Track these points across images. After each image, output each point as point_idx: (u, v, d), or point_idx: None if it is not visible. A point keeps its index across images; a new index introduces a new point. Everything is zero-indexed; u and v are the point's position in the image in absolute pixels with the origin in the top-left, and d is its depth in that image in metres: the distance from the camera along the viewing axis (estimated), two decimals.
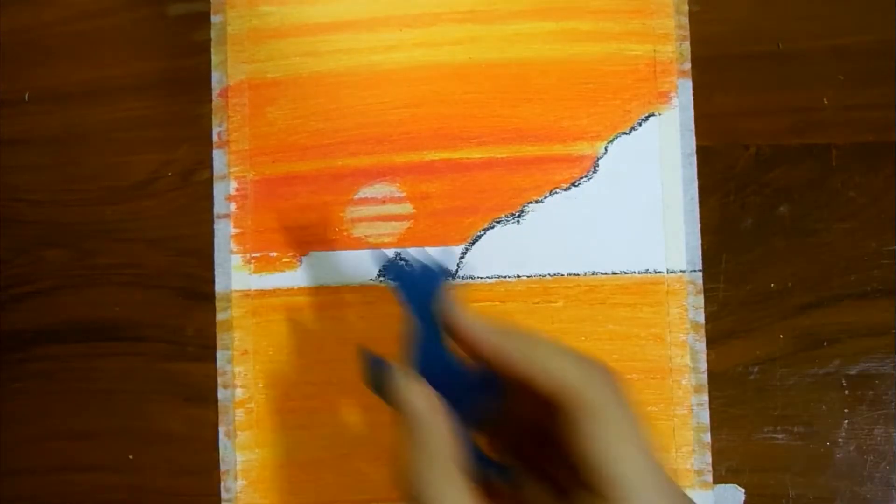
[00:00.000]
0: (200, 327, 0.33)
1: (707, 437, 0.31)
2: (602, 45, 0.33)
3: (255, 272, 0.32)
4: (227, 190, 0.33)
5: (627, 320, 0.32)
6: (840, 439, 0.31)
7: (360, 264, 0.32)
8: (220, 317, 0.32)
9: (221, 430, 0.32)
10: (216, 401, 0.32)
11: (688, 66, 0.33)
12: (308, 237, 0.32)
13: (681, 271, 0.32)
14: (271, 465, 0.32)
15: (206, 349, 0.33)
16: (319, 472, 0.32)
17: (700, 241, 0.32)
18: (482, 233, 0.32)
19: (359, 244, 0.32)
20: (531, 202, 0.32)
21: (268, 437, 0.32)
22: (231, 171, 0.33)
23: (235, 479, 0.32)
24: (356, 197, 0.32)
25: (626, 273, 0.32)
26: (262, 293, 0.32)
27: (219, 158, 0.33)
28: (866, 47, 0.33)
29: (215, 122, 0.33)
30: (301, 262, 0.32)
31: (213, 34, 0.34)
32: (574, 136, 0.32)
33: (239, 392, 0.32)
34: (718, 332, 0.32)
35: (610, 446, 0.21)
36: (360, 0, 0.33)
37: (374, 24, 0.33)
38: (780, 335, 0.32)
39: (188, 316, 0.33)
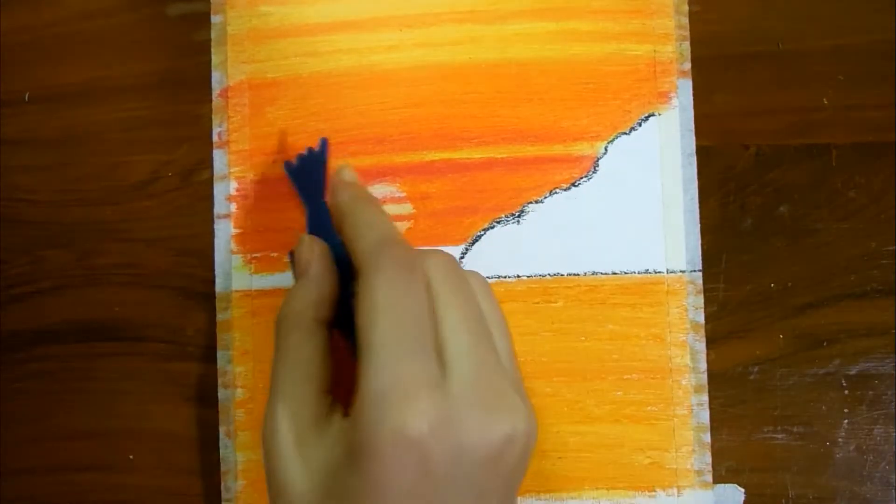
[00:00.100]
0: (201, 327, 0.33)
1: (707, 437, 0.31)
2: (602, 45, 0.33)
3: (255, 272, 0.32)
4: (227, 190, 0.33)
5: (627, 320, 0.32)
6: (840, 439, 0.31)
7: None
8: (220, 317, 0.32)
9: (222, 430, 0.32)
10: (216, 401, 0.32)
11: (688, 66, 0.33)
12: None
13: (681, 271, 0.32)
14: None
15: (206, 349, 0.33)
16: None
17: (700, 241, 0.32)
18: (482, 233, 0.32)
19: None
20: (531, 202, 0.32)
21: None
22: (231, 171, 0.33)
23: (236, 479, 0.32)
24: None
25: (626, 273, 0.32)
26: (263, 293, 0.32)
27: (219, 158, 0.33)
28: (866, 47, 0.33)
29: (215, 122, 0.33)
30: None
31: (213, 34, 0.34)
32: (574, 136, 0.32)
33: (239, 392, 0.32)
34: (718, 332, 0.32)
35: (361, 312, 0.22)
36: (360, 0, 0.33)
37: (374, 24, 0.33)
38: (780, 335, 0.32)
39: (188, 316, 0.33)
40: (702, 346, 0.32)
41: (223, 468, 0.32)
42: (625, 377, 0.31)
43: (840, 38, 0.33)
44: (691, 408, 0.31)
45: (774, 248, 0.32)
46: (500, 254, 0.32)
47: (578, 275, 0.32)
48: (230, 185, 0.33)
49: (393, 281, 0.23)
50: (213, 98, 0.33)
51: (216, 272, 0.33)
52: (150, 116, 0.34)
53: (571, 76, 0.33)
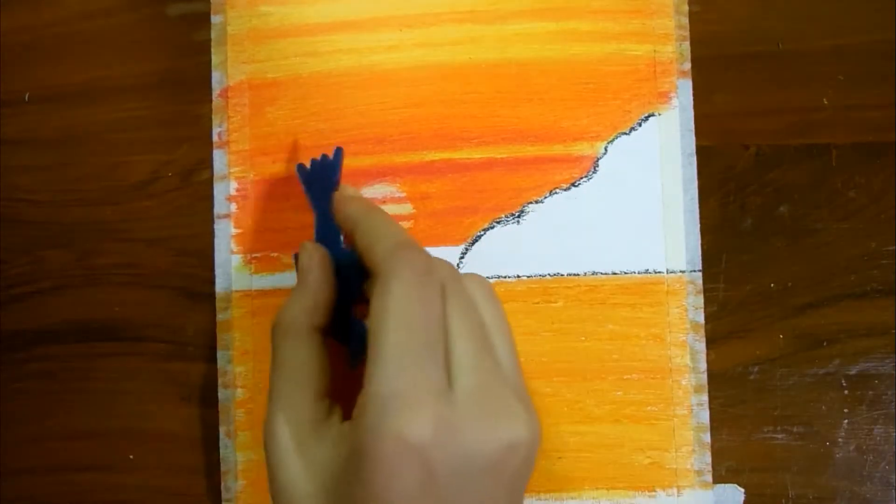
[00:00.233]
0: (200, 327, 0.33)
1: (707, 437, 0.31)
2: (602, 45, 0.33)
3: (255, 272, 0.32)
4: (227, 190, 0.33)
5: (627, 320, 0.32)
6: (840, 439, 0.31)
7: None
8: (220, 317, 0.32)
9: (222, 430, 0.32)
10: (216, 401, 0.32)
11: (688, 66, 0.33)
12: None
13: (681, 271, 0.32)
14: None
15: (206, 349, 0.33)
16: None
17: (700, 241, 0.32)
18: (482, 233, 0.32)
19: None
20: (531, 202, 0.32)
21: None
22: (231, 171, 0.33)
23: (236, 479, 0.32)
24: None
25: (626, 273, 0.32)
26: (263, 293, 0.32)
27: (219, 158, 0.33)
28: (866, 47, 0.33)
29: (215, 122, 0.33)
30: None
31: (213, 34, 0.34)
32: (574, 137, 0.32)
33: (239, 392, 0.32)
34: (718, 332, 0.32)
35: (374, 315, 0.22)
36: (360, 0, 0.33)
37: (374, 24, 0.33)
38: (780, 335, 0.32)
39: (188, 316, 0.33)
40: (702, 346, 0.32)
41: (223, 468, 0.32)
42: (625, 377, 0.32)
43: (840, 38, 0.33)
44: (691, 408, 0.31)
45: (774, 248, 0.32)
46: (500, 254, 0.32)
47: (578, 275, 0.32)
48: (230, 185, 0.33)
49: (410, 286, 0.23)
50: (213, 98, 0.33)
51: (216, 272, 0.33)
52: (150, 116, 0.34)
53: (571, 76, 0.33)
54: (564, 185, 0.32)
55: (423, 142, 0.33)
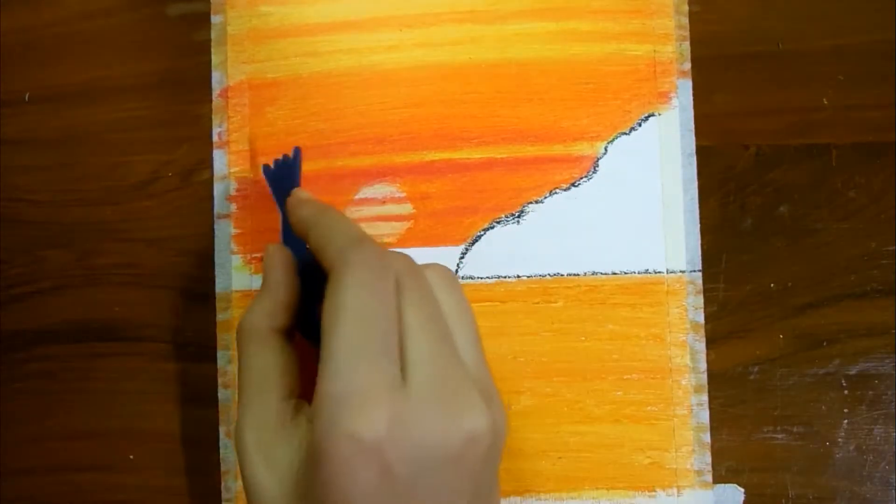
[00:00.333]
0: (200, 327, 0.33)
1: (707, 437, 0.31)
2: (602, 45, 0.33)
3: (255, 272, 0.32)
4: (227, 190, 0.33)
5: (627, 320, 0.32)
6: (840, 439, 0.31)
7: None
8: (220, 317, 0.32)
9: (222, 430, 0.32)
10: (216, 401, 0.32)
11: (688, 66, 0.33)
12: None
13: (681, 271, 0.32)
14: None
15: (206, 349, 0.33)
16: None
17: (700, 241, 0.32)
18: (482, 233, 0.32)
19: None
20: (531, 202, 0.32)
21: None
22: (231, 171, 0.33)
23: (236, 479, 0.32)
24: (356, 197, 0.33)
25: (626, 273, 0.32)
26: None
27: (219, 159, 0.33)
28: (866, 47, 0.33)
29: (215, 122, 0.33)
30: None
31: (213, 34, 0.34)
32: (574, 137, 0.32)
33: None
34: (718, 332, 0.32)
35: (326, 312, 0.22)
36: (360, 0, 0.33)
37: (374, 24, 0.33)
38: (780, 335, 0.32)
39: (188, 316, 0.33)
40: (702, 346, 0.32)
41: (223, 468, 0.32)
42: (625, 377, 0.32)
43: (840, 38, 0.33)
44: (691, 408, 0.31)
45: (774, 248, 0.32)
46: (500, 254, 0.32)
47: (578, 275, 0.32)
48: (230, 185, 0.33)
49: (361, 281, 0.23)
50: (213, 98, 0.33)
51: (216, 272, 0.33)
52: (150, 116, 0.34)
53: (571, 76, 0.33)
54: (564, 185, 0.32)
55: (423, 142, 0.33)
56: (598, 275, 0.32)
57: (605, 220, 0.32)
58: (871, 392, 0.31)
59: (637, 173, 0.32)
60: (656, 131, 0.32)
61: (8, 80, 0.34)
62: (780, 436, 0.31)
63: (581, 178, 0.32)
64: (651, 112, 0.32)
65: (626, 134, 0.32)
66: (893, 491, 0.31)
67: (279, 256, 0.27)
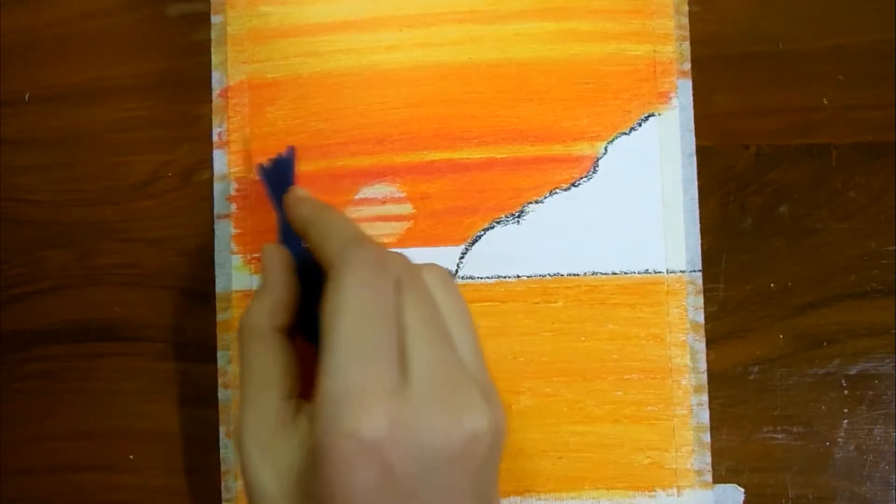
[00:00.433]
0: (200, 327, 0.33)
1: (707, 437, 0.31)
2: (602, 45, 0.33)
3: (255, 272, 0.32)
4: (227, 190, 0.33)
5: (627, 320, 0.32)
6: (840, 439, 0.31)
7: None
8: (220, 317, 0.32)
9: (222, 430, 0.32)
10: (216, 401, 0.32)
11: (688, 66, 0.33)
12: None
13: (681, 271, 0.32)
14: None
15: (206, 349, 0.33)
16: None
17: (700, 241, 0.32)
18: (482, 233, 0.32)
19: None
20: (531, 202, 0.32)
21: None
22: (231, 171, 0.33)
23: (236, 479, 0.32)
24: (356, 197, 0.33)
25: (626, 273, 0.32)
26: None
27: (219, 158, 0.33)
28: (866, 47, 0.33)
29: (215, 122, 0.33)
30: None
31: (213, 34, 0.34)
32: (574, 137, 0.32)
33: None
34: (718, 332, 0.32)
35: (326, 311, 0.22)
36: (360, 0, 0.33)
37: (374, 24, 0.33)
38: (780, 335, 0.32)
39: (188, 316, 0.33)
40: (702, 346, 0.32)
41: (223, 468, 0.32)
42: (625, 377, 0.32)
43: (840, 38, 0.33)
44: (691, 408, 0.31)
45: (774, 248, 0.32)
46: (500, 254, 0.32)
47: (578, 275, 0.32)
48: (230, 185, 0.33)
49: (361, 280, 0.22)
50: (213, 98, 0.33)
51: (216, 272, 0.33)
52: (150, 116, 0.34)
53: (571, 76, 0.33)
54: (564, 185, 0.32)
55: (423, 142, 0.33)
56: (598, 275, 0.32)
57: (605, 220, 0.32)
58: (871, 392, 0.31)
59: (637, 173, 0.32)
60: (656, 131, 0.32)
61: (8, 80, 0.34)
62: (780, 436, 0.31)
63: (581, 178, 0.32)
64: (651, 112, 0.32)
65: (626, 134, 0.32)
66: (893, 491, 0.31)
67: (277, 255, 0.27)
